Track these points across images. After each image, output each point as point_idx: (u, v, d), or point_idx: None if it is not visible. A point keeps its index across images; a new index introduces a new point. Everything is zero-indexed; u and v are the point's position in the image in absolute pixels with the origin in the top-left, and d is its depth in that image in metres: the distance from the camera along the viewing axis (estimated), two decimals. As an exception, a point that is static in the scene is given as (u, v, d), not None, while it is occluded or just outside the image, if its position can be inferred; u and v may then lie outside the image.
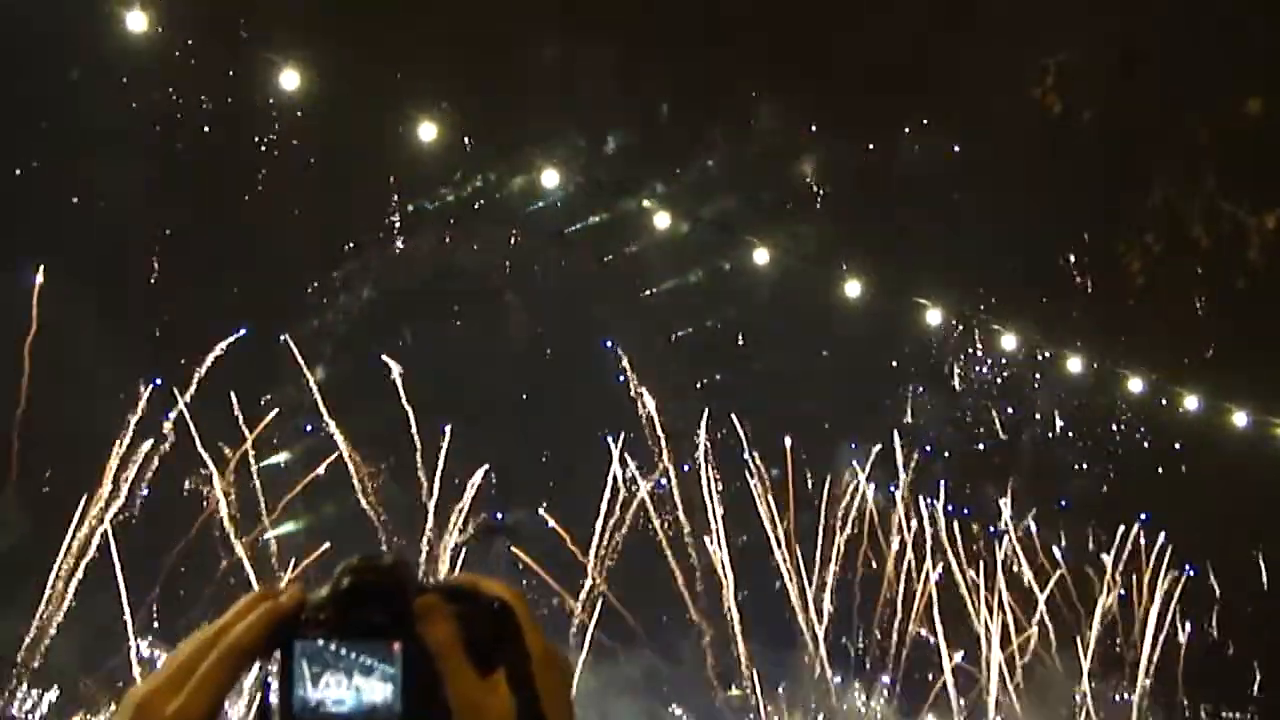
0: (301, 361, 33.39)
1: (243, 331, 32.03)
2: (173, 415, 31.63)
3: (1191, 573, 39.13)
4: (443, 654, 1.93)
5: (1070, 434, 38.93)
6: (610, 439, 34.76)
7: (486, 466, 33.83)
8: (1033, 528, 38.19)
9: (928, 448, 38.19)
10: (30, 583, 30.38)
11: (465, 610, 1.96)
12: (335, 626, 1.94)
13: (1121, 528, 39.05)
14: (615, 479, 34.50)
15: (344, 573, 1.99)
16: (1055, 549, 38.27)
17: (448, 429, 33.53)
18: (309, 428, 33.42)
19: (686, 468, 35.62)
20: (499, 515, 34.86)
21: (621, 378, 35.22)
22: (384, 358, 33.31)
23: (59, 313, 30.25)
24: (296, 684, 1.92)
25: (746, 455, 35.73)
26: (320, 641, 1.94)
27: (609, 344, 36.10)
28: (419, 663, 1.93)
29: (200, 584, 32.13)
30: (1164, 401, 34.37)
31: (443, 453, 33.58)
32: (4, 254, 29.90)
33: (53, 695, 31.00)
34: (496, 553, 35.03)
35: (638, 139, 35.93)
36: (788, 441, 36.12)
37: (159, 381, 31.67)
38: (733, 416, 35.82)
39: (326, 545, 31.50)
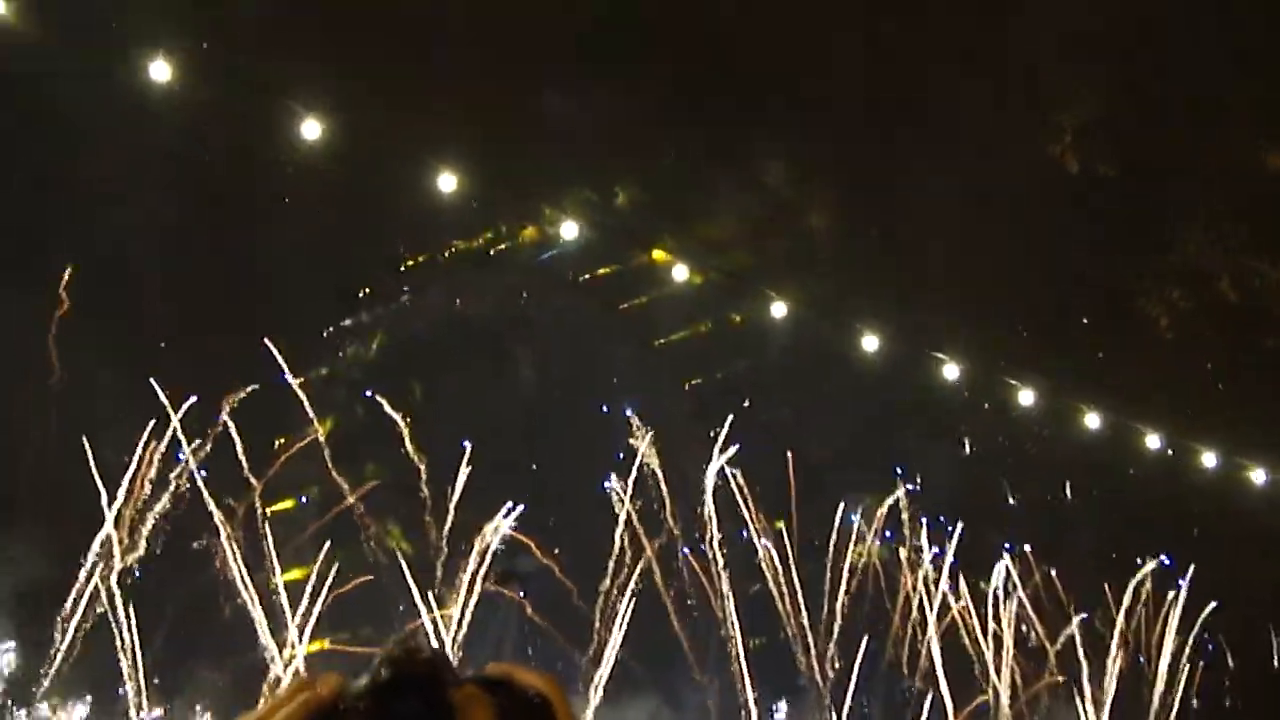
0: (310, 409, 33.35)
1: (253, 388, 32.02)
2: (184, 460, 31.56)
3: (1206, 638, 38.83)
4: None
5: (1087, 489, 38.65)
6: (616, 493, 34.60)
7: (510, 505, 33.66)
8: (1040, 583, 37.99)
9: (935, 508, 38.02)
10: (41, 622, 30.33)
11: (503, 701, 1.97)
12: (374, 717, 1.94)
13: (1134, 580, 38.82)
14: (621, 541, 34.36)
15: (382, 663, 1.98)
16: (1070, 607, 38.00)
17: (460, 477, 33.39)
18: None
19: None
20: (511, 565, 34.74)
21: (630, 439, 35.14)
22: (387, 408, 33.26)
23: (76, 357, 30.34)
24: None
25: (747, 515, 35.59)
26: None
27: (606, 409, 36.15)
28: None
29: (206, 631, 32.08)
30: (1180, 457, 34.33)
31: (454, 501, 33.43)
32: (23, 294, 29.84)
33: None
34: (509, 602, 34.90)
35: (651, 189, 35.97)
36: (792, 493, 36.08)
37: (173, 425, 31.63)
38: (733, 475, 35.69)
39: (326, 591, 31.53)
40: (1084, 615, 37.87)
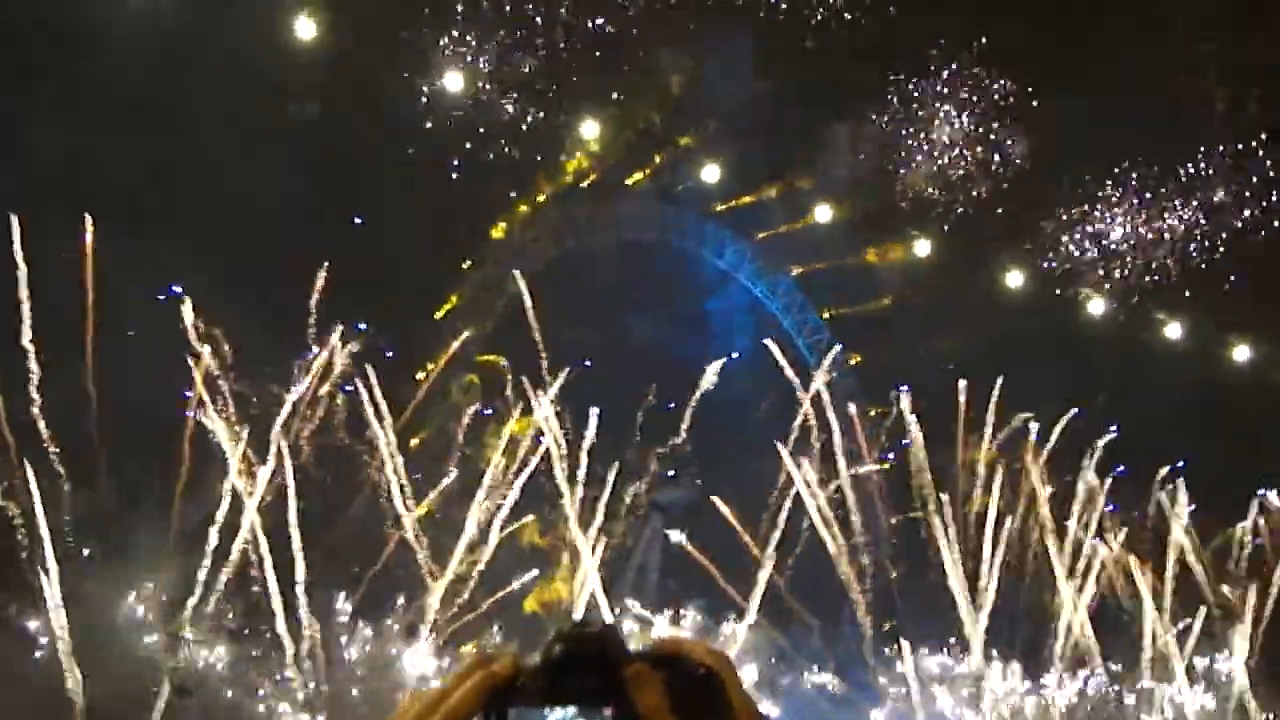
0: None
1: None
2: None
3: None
4: None
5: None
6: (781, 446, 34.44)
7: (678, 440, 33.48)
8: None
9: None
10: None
11: (673, 676, 2.04)
12: (548, 693, 2.04)
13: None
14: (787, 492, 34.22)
15: (555, 641, 2.07)
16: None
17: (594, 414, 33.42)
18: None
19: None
20: (656, 498, 34.98)
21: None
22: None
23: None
24: None
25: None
26: (535, 709, 2.03)
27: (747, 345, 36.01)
28: None
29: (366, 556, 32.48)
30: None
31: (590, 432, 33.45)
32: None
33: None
34: (654, 531, 35.13)
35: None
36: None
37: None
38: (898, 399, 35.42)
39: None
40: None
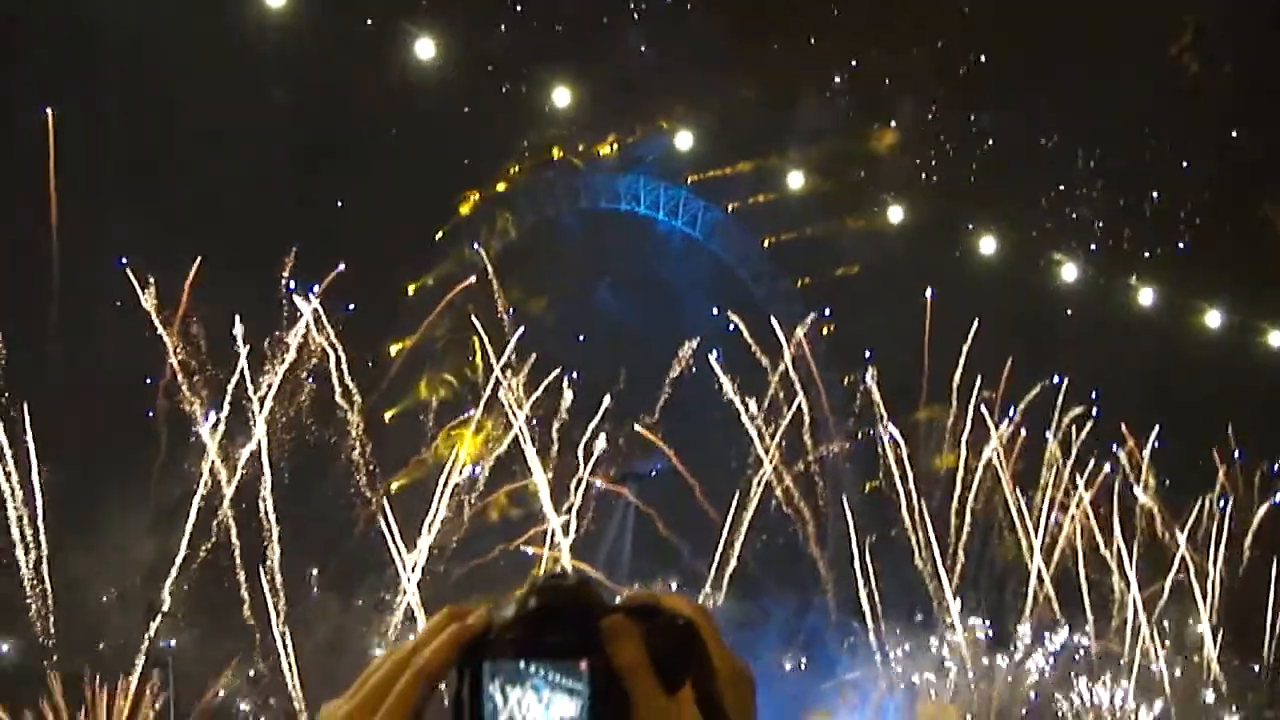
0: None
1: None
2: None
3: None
4: (630, 673, 1.95)
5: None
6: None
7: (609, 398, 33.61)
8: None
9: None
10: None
11: (651, 629, 1.99)
12: (524, 646, 1.98)
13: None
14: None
15: (530, 592, 2.01)
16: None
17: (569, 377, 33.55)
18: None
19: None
20: (629, 468, 35.14)
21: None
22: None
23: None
24: (486, 703, 1.96)
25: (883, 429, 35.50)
26: (509, 661, 1.98)
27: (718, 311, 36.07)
28: (607, 682, 1.95)
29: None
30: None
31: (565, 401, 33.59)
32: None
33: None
34: (627, 503, 35.33)
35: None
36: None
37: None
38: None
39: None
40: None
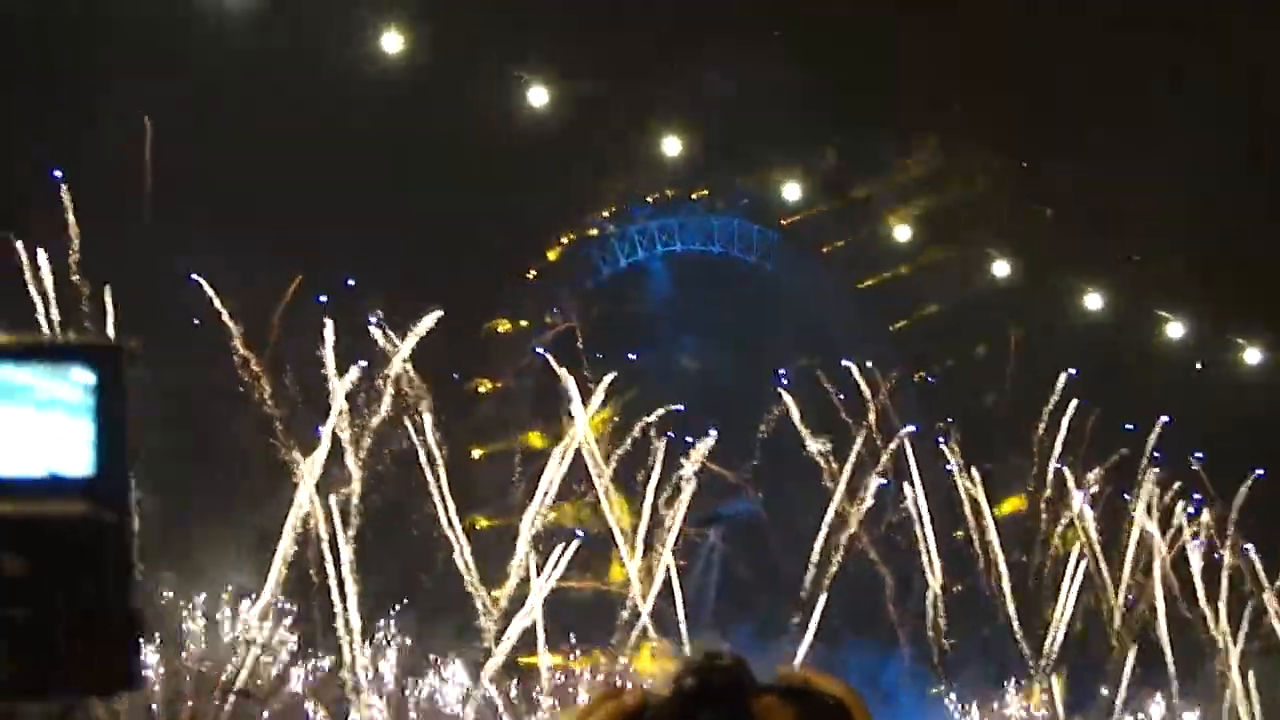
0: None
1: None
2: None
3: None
4: None
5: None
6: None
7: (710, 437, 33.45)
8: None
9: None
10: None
11: (803, 711, 2.02)
12: None
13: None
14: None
15: (686, 672, 2.04)
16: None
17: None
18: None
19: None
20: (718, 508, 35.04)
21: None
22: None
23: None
24: None
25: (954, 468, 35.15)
26: None
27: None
28: None
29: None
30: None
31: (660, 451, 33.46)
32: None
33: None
34: (714, 546, 35.16)
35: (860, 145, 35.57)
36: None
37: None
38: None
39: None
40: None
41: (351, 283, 32.87)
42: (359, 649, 31.26)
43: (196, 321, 31.20)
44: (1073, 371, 34.60)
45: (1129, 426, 35.53)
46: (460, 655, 32.63)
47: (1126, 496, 36.03)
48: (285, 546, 30.77)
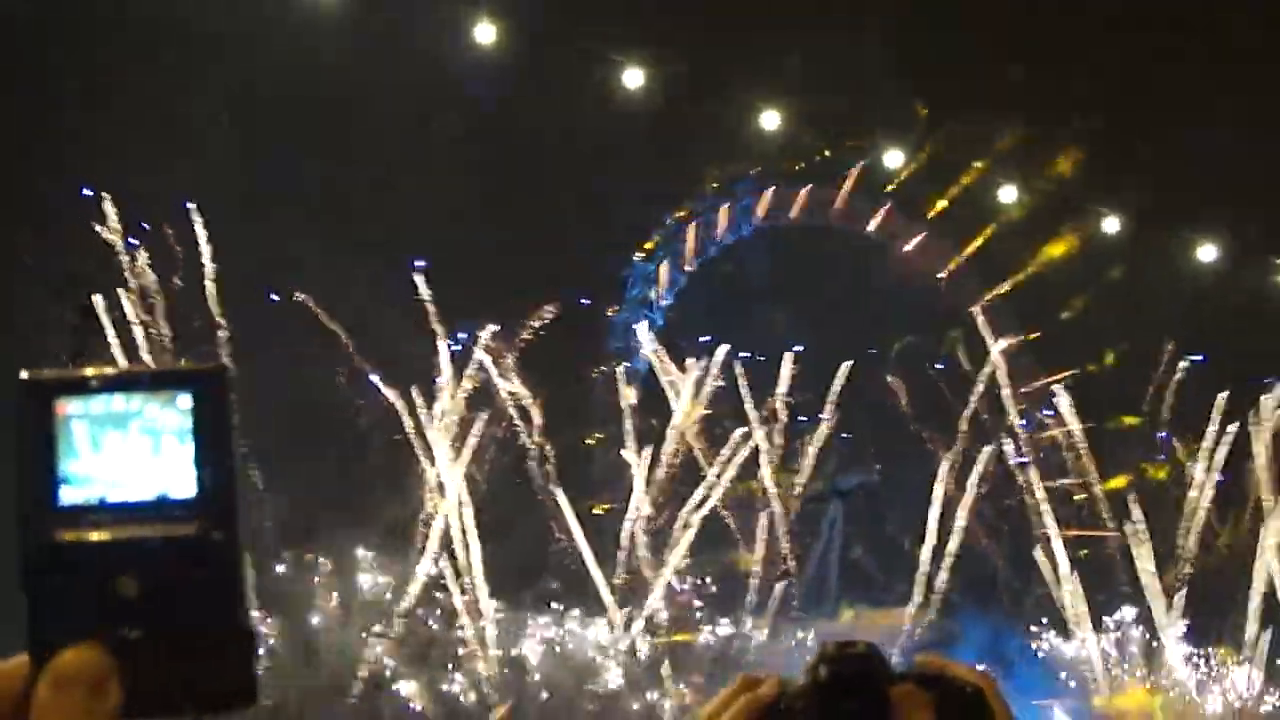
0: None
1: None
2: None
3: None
4: None
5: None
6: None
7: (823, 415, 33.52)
8: None
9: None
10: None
11: (940, 697, 2.02)
12: (816, 716, 2.02)
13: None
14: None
15: (820, 661, 2.05)
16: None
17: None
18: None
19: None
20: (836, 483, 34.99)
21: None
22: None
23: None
24: None
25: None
26: None
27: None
28: None
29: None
30: None
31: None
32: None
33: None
34: (834, 522, 35.15)
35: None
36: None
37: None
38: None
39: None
40: None
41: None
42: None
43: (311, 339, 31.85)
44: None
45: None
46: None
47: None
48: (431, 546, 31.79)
